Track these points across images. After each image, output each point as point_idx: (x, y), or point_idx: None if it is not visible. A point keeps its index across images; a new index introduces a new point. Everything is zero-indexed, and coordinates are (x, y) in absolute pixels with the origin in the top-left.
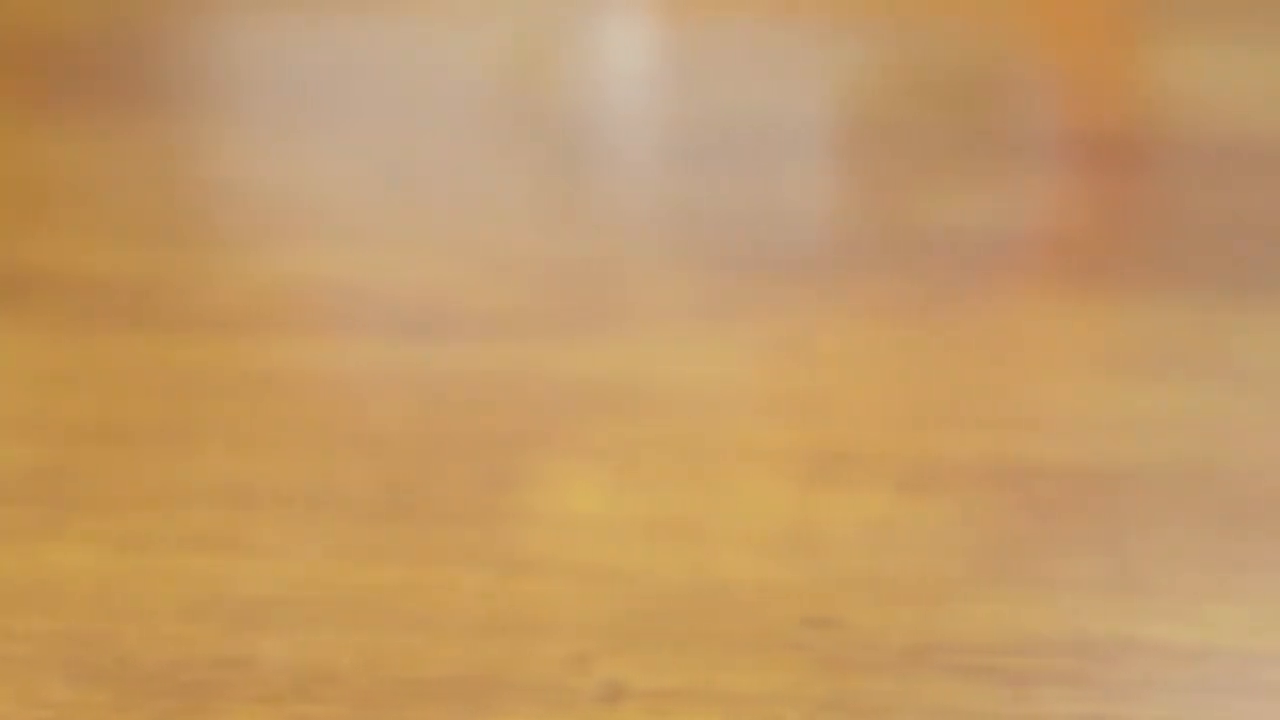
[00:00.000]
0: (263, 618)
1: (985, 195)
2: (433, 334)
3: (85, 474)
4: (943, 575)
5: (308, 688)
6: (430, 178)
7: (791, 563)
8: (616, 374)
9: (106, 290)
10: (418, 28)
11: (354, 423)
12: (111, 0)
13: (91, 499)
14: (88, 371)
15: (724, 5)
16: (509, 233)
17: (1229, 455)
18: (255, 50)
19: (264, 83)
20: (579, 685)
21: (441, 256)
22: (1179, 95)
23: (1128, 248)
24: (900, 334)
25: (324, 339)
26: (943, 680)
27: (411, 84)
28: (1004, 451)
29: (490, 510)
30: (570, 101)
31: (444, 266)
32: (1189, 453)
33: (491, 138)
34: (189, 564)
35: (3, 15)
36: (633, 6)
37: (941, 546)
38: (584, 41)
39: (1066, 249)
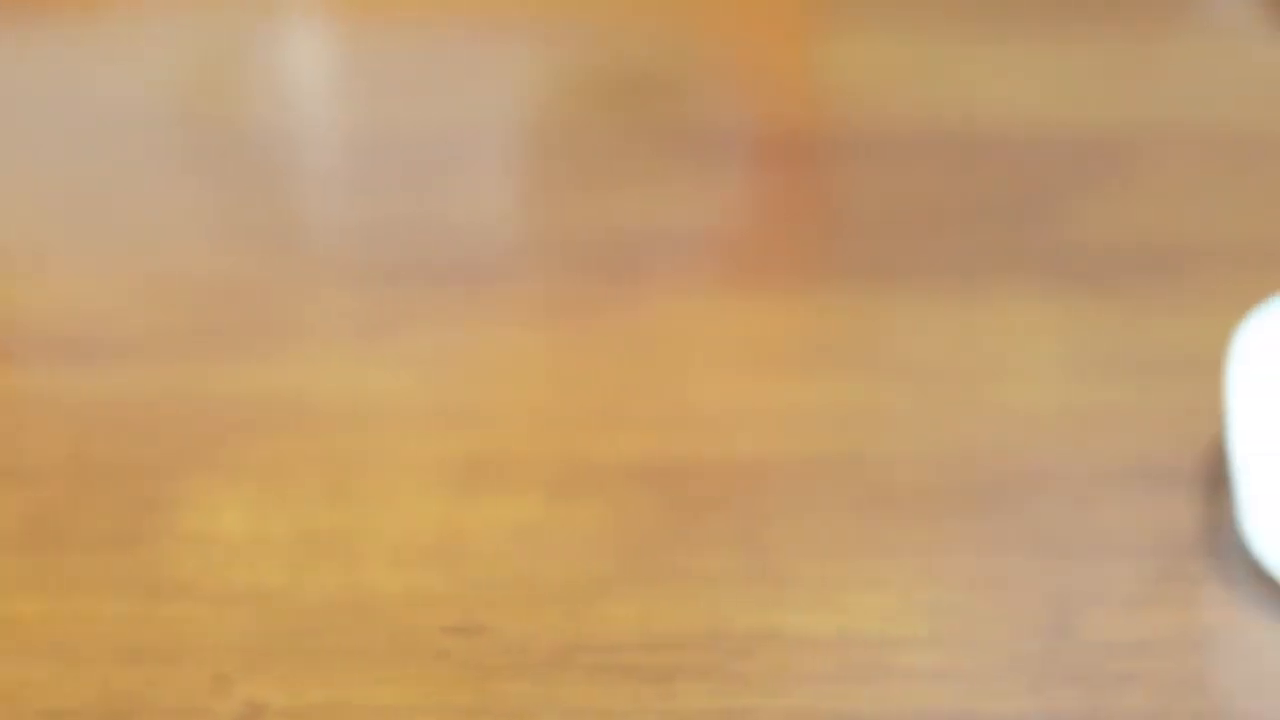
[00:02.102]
0: None
1: (657, 195)
2: (84, 359)
3: None
4: (589, 577)
5: None
6: (90, 199)
7: (439, 572)
8: (271, 392)
9: None
10: (86, 45)
11: None
12: None
13: None
14: None
15: (402, 13)
16: (169, 252)
17: (874, 445)
18: None
19: None
20: (218, 708)
21: (96, 279)
22: (850, 89)
23: (792, 243)
24: (559, 338)
25: None
26: (585, 681)
27: (76, 104)
28: (655, 451)
29: (136, 535)
30: (243, 117)
31: (99, 290)
32: (834, 444)
33: (159, 155)
34: None
35: None
36: (310, 18)
37: (589, 548)
38: (258, 56)
39: (732, 246)
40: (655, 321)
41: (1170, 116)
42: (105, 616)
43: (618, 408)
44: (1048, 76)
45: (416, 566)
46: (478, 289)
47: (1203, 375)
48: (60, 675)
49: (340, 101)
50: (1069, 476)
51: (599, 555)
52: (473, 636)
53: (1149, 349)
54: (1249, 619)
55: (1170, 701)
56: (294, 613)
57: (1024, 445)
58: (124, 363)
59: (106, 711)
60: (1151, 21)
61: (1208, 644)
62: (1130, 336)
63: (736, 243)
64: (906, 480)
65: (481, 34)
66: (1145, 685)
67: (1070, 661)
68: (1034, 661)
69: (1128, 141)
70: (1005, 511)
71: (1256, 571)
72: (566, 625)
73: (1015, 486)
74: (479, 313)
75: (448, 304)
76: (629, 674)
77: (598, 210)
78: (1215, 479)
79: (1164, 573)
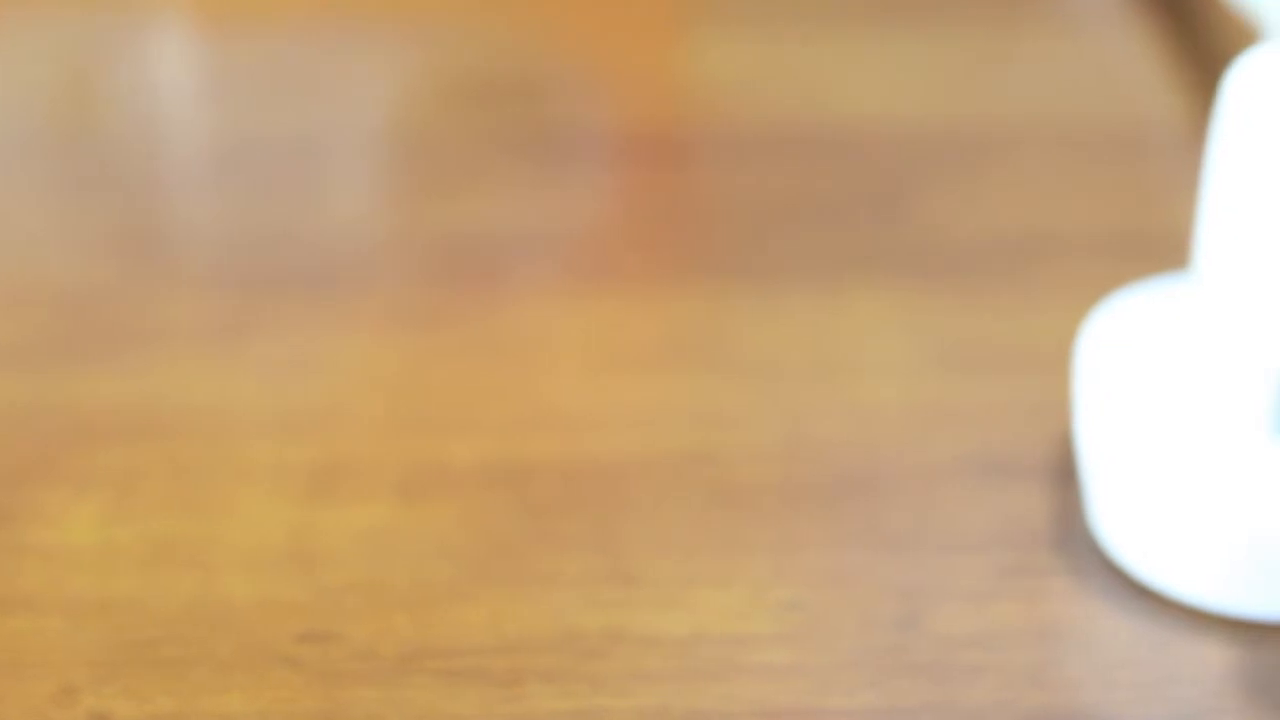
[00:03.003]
0: None
1: (516, 198)
2: None
3: None
4: (439, 581)
5: None
6: None
7: (290, 579)
8: (121, 400)
9: None
10: None
11: None
12: None
13: None
14: None
15: (263, 20)
16: (19, 260)
17: (726, 443)
18: None
19: None
20: (62, 719)
21: None
22: (709, 90)
23: (649, 243)
24: (413, 342)
25: None
26: (433, 685)
27: None
28: (507, 453)
29: None
30: (103, 125)
31: None
32: (687, 443)
33: (15, 162)
34: None
35: None
36: (171, 24)
37: (440, 552)
38: (119, 62)
39: (590, 248)
40: (511, 324)
41: (1025, 112)
42: None
43: (470, 411)
44: (906, 74)
45: (267, 574)
46: (334, 294)
47: (1054, 368)
48: None
49: (200, 107)
50: (919, 472)
51: (450, 559)
52: (322, 643)
53: (1001, 343)
54: (1096, 610)
55: (1017, 693)
56: (143, 623)
57: (875, 441)
58: None
59: None
60: (1008, 18)
61: (1055, 635)
62: (982, 331)
63: (594, 244)
64: (758, 478)
65: (343, 39)
66: (992, 677)
67: (918, 655)
68: (882, 656)
69: (983, 137)
70: (855, 507)
71: (1104, 563)
72: (416, 630)
73: (866, 482)
74: (334, 318)
75: (303, 310)
76: (478, 677)
77: (457, 214)
78: (1064, 471)
79: (1012, 566)
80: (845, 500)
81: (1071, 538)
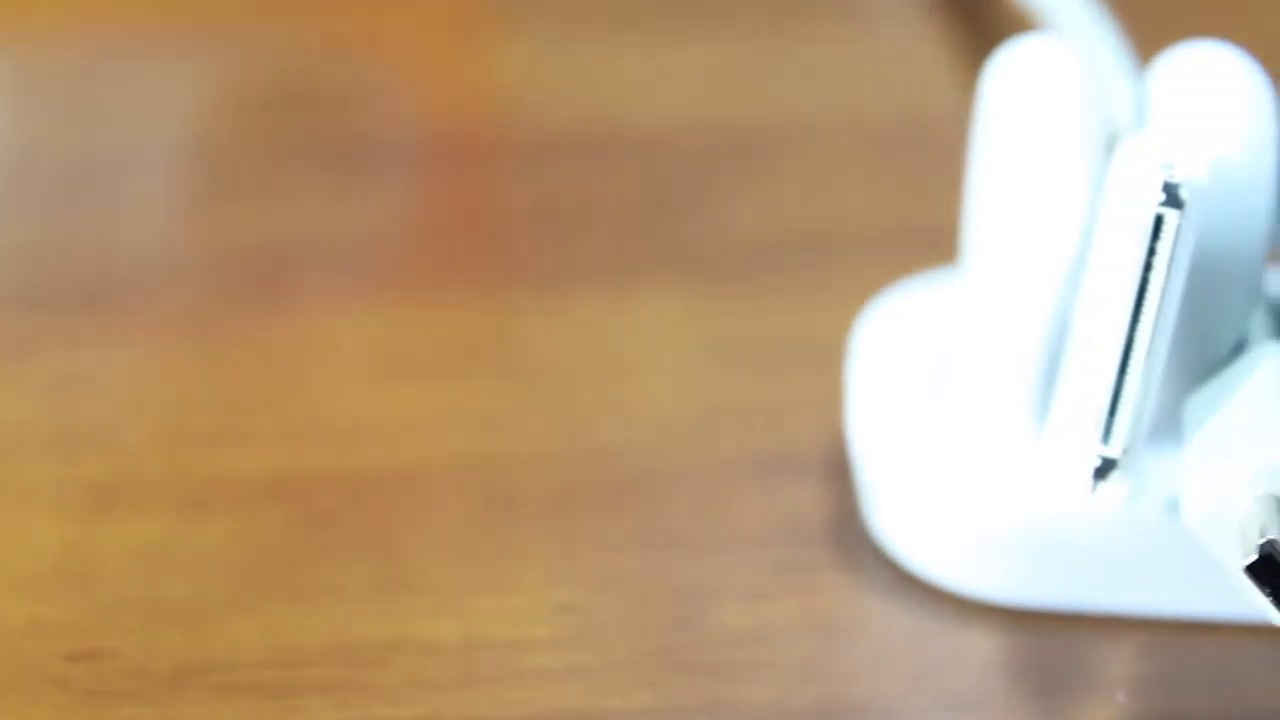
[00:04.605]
0: None
1: (310, 209)
2: None
3: None
4: (214, 596)
5: None
6: None
7: (61, 600)
8: None
9: None
10: None
11: None
12: None
13: None
14: None
15: (58, 28)
16: None
17: (507, 449)
18: None
19: None
20: None
21: None
22: (509, 94)
23: (442, 250)
24: (192, 356)
25: None
26: (206, 701)
27: None
28: (285, 466)
29: None
30: None
31: None
32: (466, 450)
33: None
34: None
35: None
36: None
37: (216, 567)
38: None
39: (381, 255)
40: (293, 335)
41: (814, 110)
42: None
43: (251, 422)
44: (704, 75)
45: (37, 595)
46: (115, 309)
47: (835, 365)
48: None
49: None
50: (699, 473)
51: (224, 573)
52: (93, 662)
53: (784, 342)
54: (872, 605)
55: (792, 688)
56: None
57: (655, 443)
58: None
59: None
60: (801, 16)
61: (830, 630)
62: (765, 330)
63: (384, 252)
64: (538, 483)
65: (138, 49)
66: (768, 673)
67: (694, 655)
68: (658, 656)
69: (772, 137)
70: (634, 510)
71: (879, 557)
72: (188, 646)
73: (645, 485)
74: (111, 335)
75: (78, 327)
76: (251, 691)
77: (248, 225)
78: (843, 467)
79: (789, 563)
80: (624, 503)
81: (847, 533)
